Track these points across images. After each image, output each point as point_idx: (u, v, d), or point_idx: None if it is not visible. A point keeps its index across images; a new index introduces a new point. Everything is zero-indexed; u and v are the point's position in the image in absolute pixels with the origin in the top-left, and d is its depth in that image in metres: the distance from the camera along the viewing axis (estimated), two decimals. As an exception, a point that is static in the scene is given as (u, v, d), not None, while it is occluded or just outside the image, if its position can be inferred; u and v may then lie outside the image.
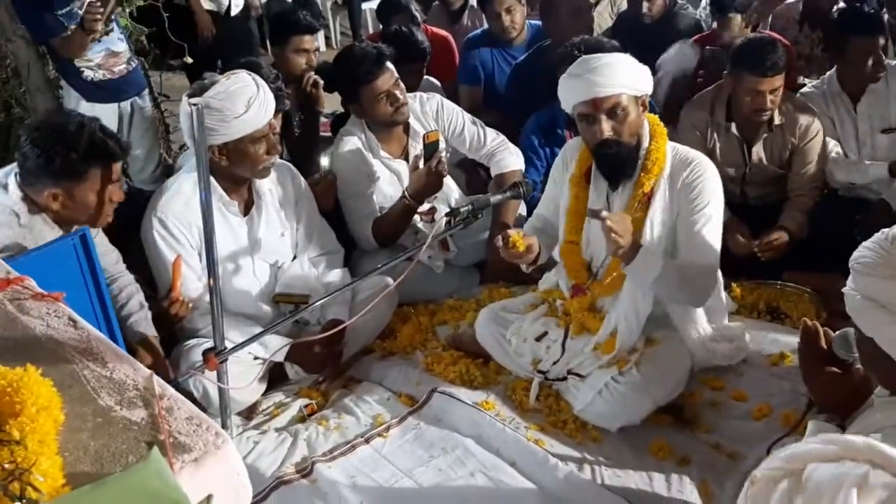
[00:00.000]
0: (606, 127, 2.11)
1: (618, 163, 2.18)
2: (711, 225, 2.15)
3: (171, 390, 0.96)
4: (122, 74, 3.48)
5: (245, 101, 2.21)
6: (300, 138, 3.24)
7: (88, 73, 3.42)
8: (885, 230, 1.35)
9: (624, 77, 2.12)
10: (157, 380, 0.97)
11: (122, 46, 3.47)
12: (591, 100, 2.11)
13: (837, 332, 1.53)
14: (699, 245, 2.14)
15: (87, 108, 3.47)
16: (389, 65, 2.79)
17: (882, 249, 1.31)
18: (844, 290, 1.37)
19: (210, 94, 2.18)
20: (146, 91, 3.67)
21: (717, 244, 2.17)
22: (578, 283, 2.31)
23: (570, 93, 2.17)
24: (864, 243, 1.36)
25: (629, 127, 2.14)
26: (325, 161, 2.71)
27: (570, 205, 2.30)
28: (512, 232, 2.19)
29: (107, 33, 3.40)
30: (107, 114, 3.51)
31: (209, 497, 0.79)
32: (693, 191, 2.15)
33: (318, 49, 3.44)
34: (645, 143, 2.19)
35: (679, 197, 2.16)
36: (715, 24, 3.64)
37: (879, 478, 0.89)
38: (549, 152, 3.08)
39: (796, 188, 2.90)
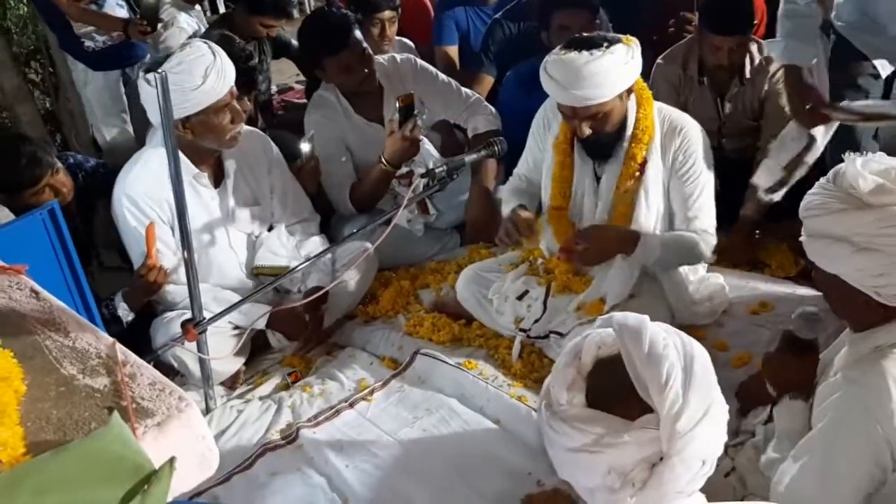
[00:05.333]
0: (586, 129, 2.07)
1: (598, 148, 2.17)
2: (706, 193, 2.18)
3: (133, 357, 0.95)
4: (122, 38, 3.44)
5: (202, 72, 2.15)
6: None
7: (89, 44, 3.43)
8: (826, 175, 1.40)
9: (610, 86, 1.99)
10: (119, 347, 0.96)
11: (120, 13, 3.43)
12: (570, 107, 2.05)
13: (796, 312, 1.55)
14: (696, 214, 2.18)
15: (93, 77, 3.48)
16: (356, 34, 2.74)
17: (825, 189, 1.37)
18: (801, 239, 1.40)
19: (166, 67, 2.12)
20: (148, 56, 3.63)
21: (712, 210, 2.21)
22: (568, 246, 2.30)
23: (550, 90, 2.07)
24: (809, 191, 1.41)
25: (611, 121, 2.09)
26: (306, 146, 2.68)
27: (556, 171, 2.27)
28: (525, 214, 2.23)
29: None
30: (111, 83, 3.51)
31: (172, 459, 0.78)
32: (686, 162, 2.15)
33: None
34: (631, 116, 2.14)
35: (671, 165, 2.16)
36: None
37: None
38: (531, 105, 3.05)
39: (769, 137, 2.88)
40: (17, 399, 0.89)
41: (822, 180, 1.39)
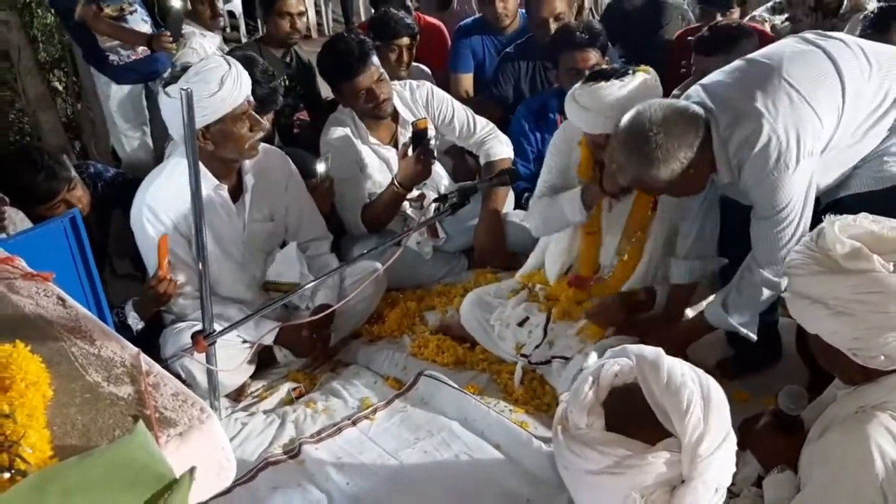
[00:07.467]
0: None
1: None
2: (710, 229, 2.22)
3: (157, 367, 0.99)
4: (146, 54, 3.52)
5: (218, 79, 2.21)
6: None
7: (113, 58, 3.48)
8: (811, 232, 1.41)
9: (640, 99, 2.03)
10: (143, 357, 0.99)
11: (145, 28, 3.50)
12: (604, 134, 2.07)
13: (784, 389, 1.57)
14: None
15: (116, 90, 3.54)
16: (374, 60, 2.78)
17: (808, 249, 1.37)
18: (784, 294, 1.41)
19: (183, 79, 2.19)
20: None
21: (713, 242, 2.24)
22: (584, 276, 2.34)
23: (582, 121, 2.11)
24: (794, 248, 1.42)
25: None
26: (321, 167, 2.74)
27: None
28: None
29: (130, 13, 3.44)
30: (134, 96, 3.57)
31: (192, 469, 0.81)
32: (691, 202, 2.16)
33: (304, 12, 3.57)
34: None
35: (677, 203, 2.18)
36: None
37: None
38: (540, 138, 3.11)
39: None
40: (45, 403, 0.93)
41: (807, 238, 1.39)
